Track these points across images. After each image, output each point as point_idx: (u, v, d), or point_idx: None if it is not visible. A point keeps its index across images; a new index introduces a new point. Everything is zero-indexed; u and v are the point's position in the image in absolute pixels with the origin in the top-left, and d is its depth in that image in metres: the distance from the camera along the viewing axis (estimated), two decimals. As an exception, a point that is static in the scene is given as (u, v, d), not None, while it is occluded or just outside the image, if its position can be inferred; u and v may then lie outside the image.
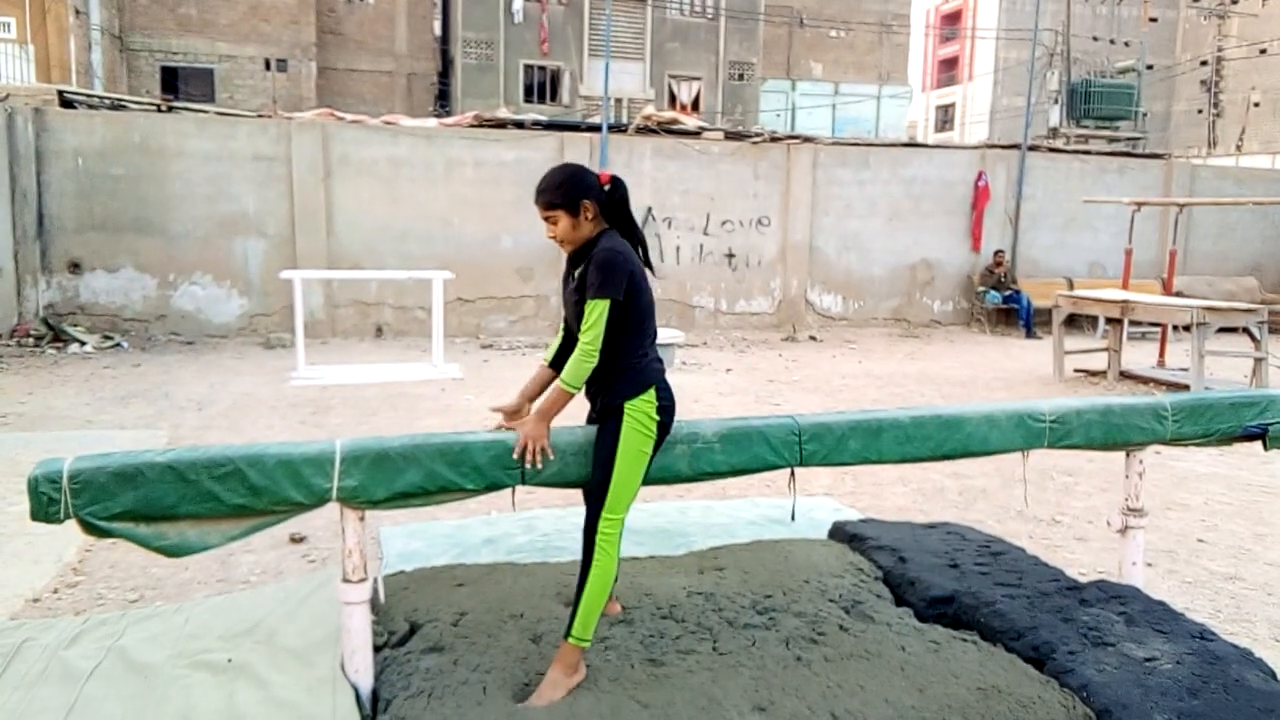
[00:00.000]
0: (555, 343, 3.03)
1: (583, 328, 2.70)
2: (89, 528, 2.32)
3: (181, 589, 3.83)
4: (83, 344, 10.26)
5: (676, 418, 2.87)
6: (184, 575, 3.95)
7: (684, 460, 2.84)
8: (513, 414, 2.93)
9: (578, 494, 4.91)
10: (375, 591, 2.88)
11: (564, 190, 2.80)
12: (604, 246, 2.76)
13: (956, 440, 3.10)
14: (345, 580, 2.61)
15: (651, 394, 2.74)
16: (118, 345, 10.51)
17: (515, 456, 2.68)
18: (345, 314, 11.68)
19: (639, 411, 2.71)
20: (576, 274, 2.84)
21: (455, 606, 3.10)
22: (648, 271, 2.86)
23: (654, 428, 2.74)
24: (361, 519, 2.62)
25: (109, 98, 12.05)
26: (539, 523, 4.59)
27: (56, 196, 10.65)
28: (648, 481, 2.81)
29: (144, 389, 8.20)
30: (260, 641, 2.86)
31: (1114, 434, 3.28)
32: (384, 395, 8.13)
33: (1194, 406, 3.35)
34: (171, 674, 2.66)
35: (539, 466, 2.71)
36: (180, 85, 26.03)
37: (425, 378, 9.08)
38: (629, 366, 2.76)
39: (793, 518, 3.60)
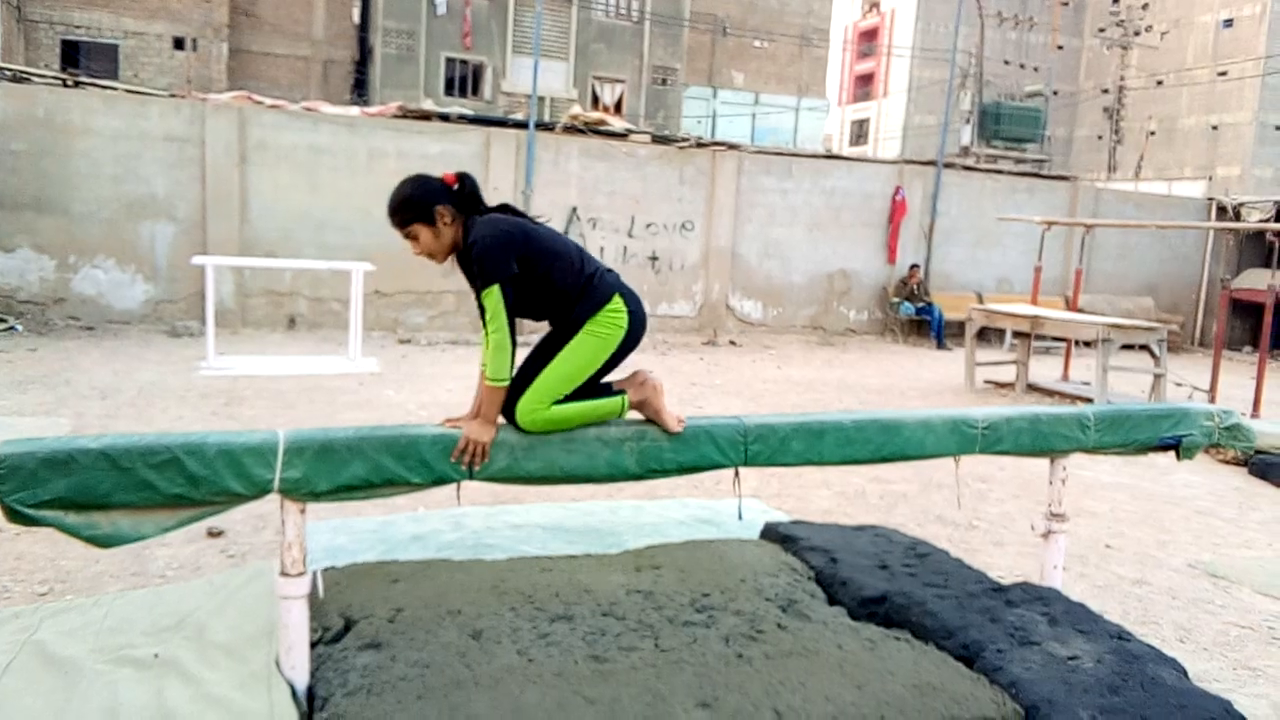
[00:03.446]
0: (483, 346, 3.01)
1: (487, 321, 2.68)
2: (14, 515, 2.20)
3: (93, 583, 3.66)
4: (-26, 326, 9.75)
5: (628, 416, 2.87)
6: (95, 569, 3.78)
7: (632, 458, 2.84)
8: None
9: (506, 491, 4.88)
10: (313, 586, 2.80)
11: (415, 203, 2.74)
12: (474, 237, 2.71)
13: (895, 444, 3.18)
14: (284, 574, 2.53)
15: (618, 301, 2.79)
16: (11, 329, 10.01)
17: (453, 459, 2.64)
18: (257, 304, 11.35)
19: (602, 321, 2.76)
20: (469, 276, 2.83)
21: (391, 603, 3.04)
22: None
23: (616, 334, 2.78)
24: (302, 511, 2.55)
25: (10, 69, 11.47)
26: (468, 520, 4.52)
27: (-50, 170, 10.10)
28: (598, 480, 2.81)
29: (42, 375, 7.83)
30: (188, 637, 2.75)
31: (1041, 441, 3.40)
32: (300, 388, 7.93)
33: (1114, 417, 3.49)
34: (94, 669, 2.54)
35: (476, 468, 2.68)
36: (82, 60, 24.90)
37: (342, 371, 8.89)
38: (580, 293, 2.78)
39: (740, 517, 3.64)
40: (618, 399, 2.88)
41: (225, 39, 27.06)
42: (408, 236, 2.77)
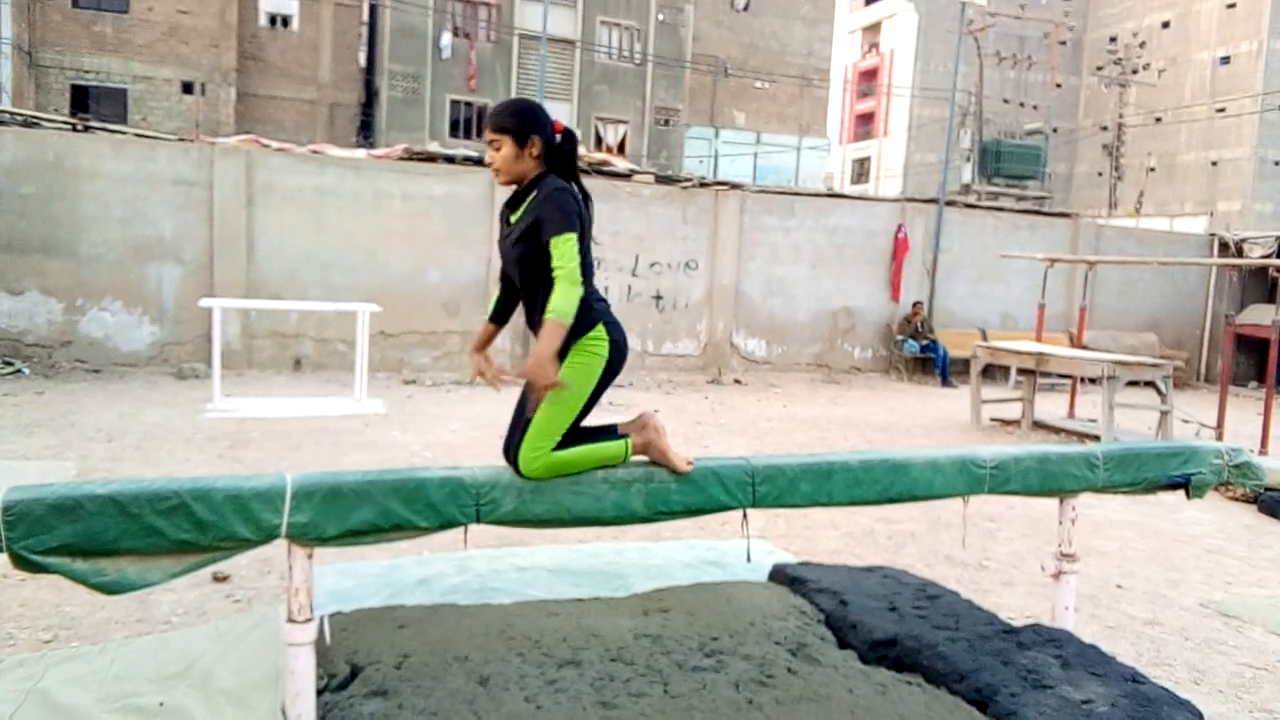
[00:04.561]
0: (494, 297, 3.08)
1: (558, 263, 2.67)
2: (22, 562, 2.19)
3: (98, 629, 3.64)
4: (-19, 369, 9.77)
5: (633, 459, 2.87)
6: (101, 615, 3.75)
7: (640, 499, 2.83)
8: (480, 354, 3.06)
9: (512, 533, 4.85)
10: (320, 632, 2.78)
11: (517, 118, 2.84)
12: (553, 186, 2.77)
13: (903, 484, 3.16)
14: (290, 620, 2.52)
15: (600, 330, 2.79)
16: (18, 371, 10.04)
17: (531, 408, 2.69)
18: (262, 345, 11.38)
19: (583, 350, 2.76)
20: (514, 218, 2.86)
21: (397, 649, 3.02)
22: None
23: (597, 362, 2.77)
24: (310, 556, 2.53)
25: (21, 114, 11.61)
26: (473, 563, 4.50)
27: (-41, 214, 10.18)
28: (606, 523, 2.80)
29: (49, 418, 7.83)
30: (194, 684, 2.73)
31: (1049, 481, 3.38)
32: (305, 429, 7.92)
33: (1123, 456, 3.48)
34: (99, 718, 2.52)
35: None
36: (91, 105, 25.24)
37: (347, 412, 8.89)
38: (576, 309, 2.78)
39: (748, 559, 3.61)
40: (621, 443, 2.87)
41: (233, 83, 27.41)
42: (491, 143, 2.86)
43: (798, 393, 12.19)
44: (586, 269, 2.84)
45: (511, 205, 2.89)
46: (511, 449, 2.79)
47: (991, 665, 3.08)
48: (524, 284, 2.87)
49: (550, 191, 2.74)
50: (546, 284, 2.74)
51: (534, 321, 2.85)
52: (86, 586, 2.28)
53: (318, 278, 11.41)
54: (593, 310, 2.82)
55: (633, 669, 2.95)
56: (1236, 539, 6.01)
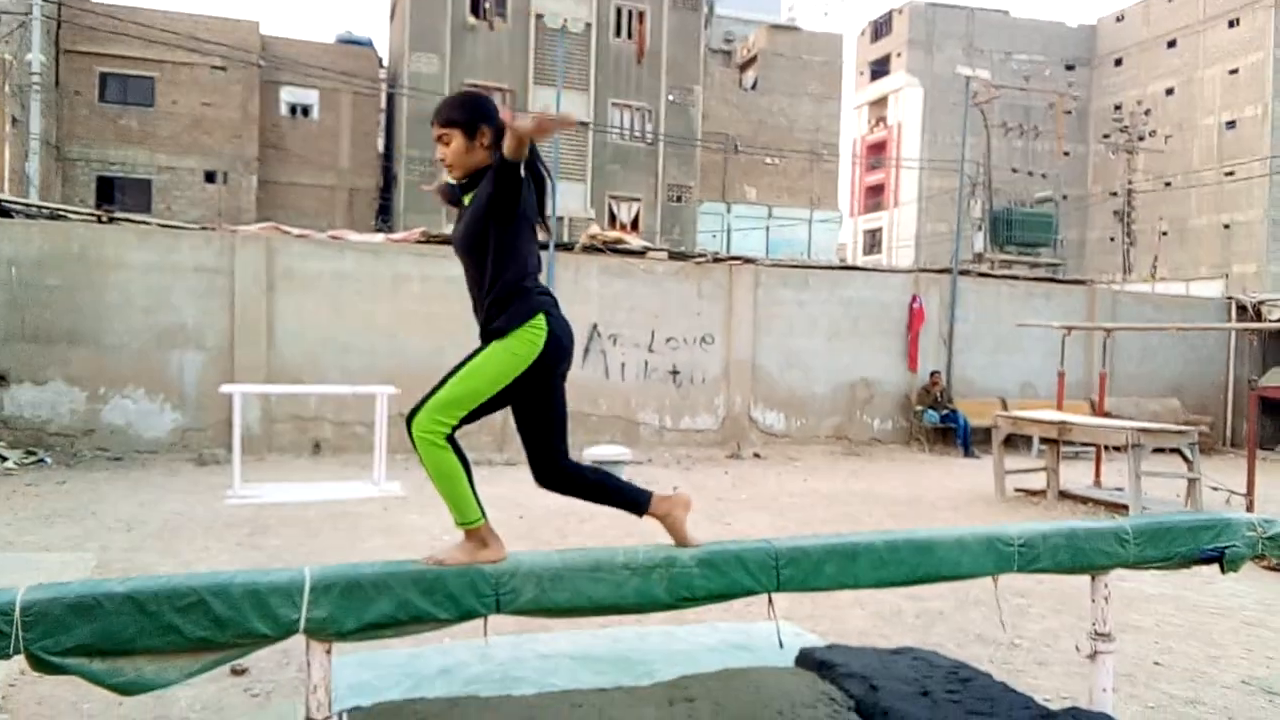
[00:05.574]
0: None
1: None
2: (39, 663, 2.17)
3: (115, 727, 3.58)
4: (4, 459, 9.83)
5: (645, 538, 2.83)
6: (119, 712, 3.70)
7: (662, 586, 2.79)
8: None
9: (532, 620, 4.78)
10: (339, 730, 2.73)
11: (464, 110, 2.80)
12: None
13: (930, 565, 3.10)
14: (309, 719, 2.47)
15: (540, 320, 2.71)
16: (41, 461, 10.09)
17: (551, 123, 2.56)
18: (282, 429, 11.42)
19: (518, 336, 2.68)
20: (468, 199, 2.82)
21: (418, 744, 2.95)
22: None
23: (530, 351, 2.69)
24: (328, 651, 2.50)
25: (48, 207, 11.89)
26: (495, 651, 4.41)
27: (-14, 306, 10.36)
28: (627, 610, 2.75)
29: (70, 508, 7.85)
30: (210, 787, 2.67)
31: (1079, 558, 3.31)
32: (325, 514, 7.90)
33: (1154, 530, 3.41)
34: (113, 825, 2.46)
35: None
36: (116, 195, 25.90)
37: (367, 496, 8.87)
38: (515, 294, 2.73)
39: (780, 645, 3.53)
40: (478, 512, 2.79)
41: (255, 171, 28.08)
42: (440, 139, 2.81)
43: (818, 466, 12.09)
44: (532, 259, 2.80)
45: (465, 189, 2.88)
46: (412, 412, 2.69)
47: (1030, 752, 2.98)
48: (471, 265, 2.83)
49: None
50: (491, 267, 2.74)
51: (480, 310, 2.81)
52: (103, 687, 2.25)
53: (337, 361, 11.50)
54: (534, 299, 2.76)
55: (659, 763, 2.87)
56: (1276, 611, 5.85)
